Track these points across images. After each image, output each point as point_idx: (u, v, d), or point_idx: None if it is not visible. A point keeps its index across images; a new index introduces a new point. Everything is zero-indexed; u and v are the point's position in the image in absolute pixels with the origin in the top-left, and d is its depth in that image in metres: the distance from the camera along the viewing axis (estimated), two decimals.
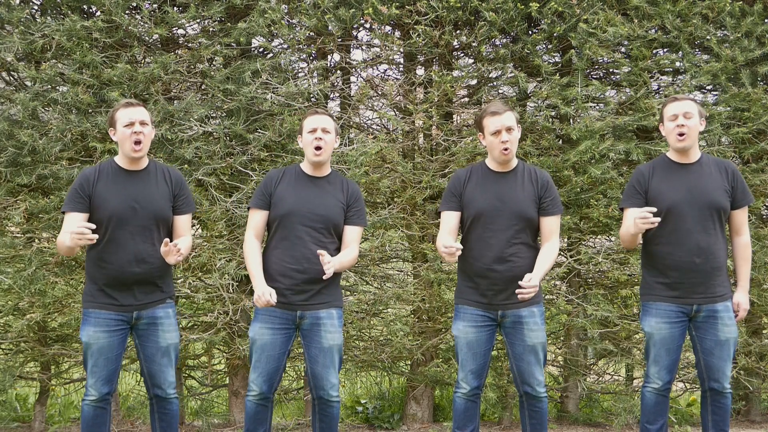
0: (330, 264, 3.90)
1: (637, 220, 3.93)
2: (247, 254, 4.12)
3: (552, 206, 4.13)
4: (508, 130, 4.06)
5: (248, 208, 4.26)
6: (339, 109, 5.98)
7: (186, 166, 5.20)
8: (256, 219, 4.15)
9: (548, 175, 4.21)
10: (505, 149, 4.05)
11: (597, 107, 5.83)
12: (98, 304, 3.96)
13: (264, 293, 3.94)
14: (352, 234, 4.16)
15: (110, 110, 4.14)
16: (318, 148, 4.08)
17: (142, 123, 3.97)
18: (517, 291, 3.91)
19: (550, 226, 4.13)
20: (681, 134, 4.11)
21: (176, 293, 5.06)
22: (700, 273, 4.10)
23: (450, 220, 4.17)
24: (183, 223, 4.13)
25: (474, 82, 5.96)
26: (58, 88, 5.33)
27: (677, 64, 5.79)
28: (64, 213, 3.99)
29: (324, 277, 3.94)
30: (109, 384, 3.98)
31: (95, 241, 3.74)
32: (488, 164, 4.19)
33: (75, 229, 3.71)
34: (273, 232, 4.14)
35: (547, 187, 4.13)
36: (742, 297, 4.27)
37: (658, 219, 3.94)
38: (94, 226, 3.76)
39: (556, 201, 4.16)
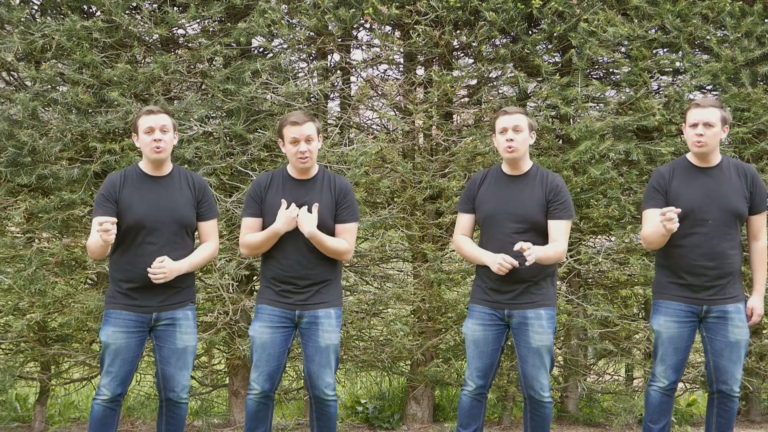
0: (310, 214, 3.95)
1: (661, 219, 3.93)
2: (251, 238, 4.11)
3: (560, 210, 4.13)
4: (515, 129, 4.09)
5: (241, 218, 4.26)
6: (339, 109, 5.98)
7: (186, 166, 5.20)
8: (250, 228, 4.15)
9: (560, 180, 4.21)
10: (509, 147, 4.09)
11: (597, 107, 5.83)
12: (119, 305, 3.98)
13: (291, 211, 3.99)
14: (343, 233, 4.14)
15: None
16: (303, 159, 4.08)
17: (163, 130, 4.01)
18: (515, 247, 3.93)
19: (558, 229, 4.12)
20: (699, 143, 4.09)
21: None
22: (713, 277, 4.09)
23: (464, 221, 4.29)
24: (208, 228, 4.18)
25: (474, 82, 5.96)
26: (58, 88, 5.32)
27: (677, 64, 5.79)
28: (93, 218, 4.00)
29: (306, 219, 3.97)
30: (123, 385, 4.01)
31: (114, 236, 3.80)
32: (503, 168, 4.25)
33: (98, 228, 3.77)
34: None
35: (556, 191, 4.14)
36: (756, 302, 4.23)
37: (677, 217, 3.93)
38: (115, 219, 3.82)
39: (565, 206, 4.14)
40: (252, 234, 4.13)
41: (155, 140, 3.98)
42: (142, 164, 4.10)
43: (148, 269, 3.91)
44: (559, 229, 4.12)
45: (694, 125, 4.10)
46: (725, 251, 4.09)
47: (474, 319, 4.15)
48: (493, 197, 4.16)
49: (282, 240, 4.05)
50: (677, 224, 3.93)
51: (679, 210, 3.94)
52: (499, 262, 3.99)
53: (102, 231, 3.75)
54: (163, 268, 3.91)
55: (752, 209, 4.18)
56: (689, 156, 4.23)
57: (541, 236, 4.12)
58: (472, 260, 4.24)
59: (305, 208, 4.01)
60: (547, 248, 4.04)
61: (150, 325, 4.03)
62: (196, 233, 4.20)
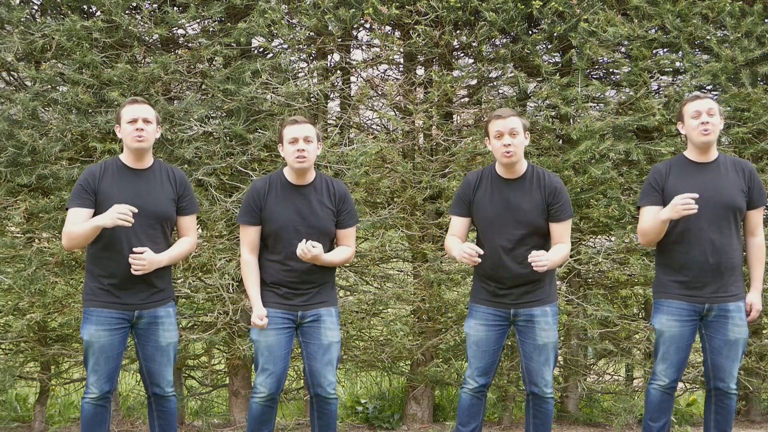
0: (314, 250, 3.93)
1: (678, 207, 3.93)
2: (245, 275, 4.15)
3: (561, 212, 4.13)
4: (512, 133, 4.06)
5: (239, 224, 4.25)
6: (339, 109, 5.98)
7: (186, 166, 5.20)
8: (250, 235, 4.14)
9: (558, 181, 4.19)
10: (508, 152, 4.05)
11: (597, 107, 5.83)
12: (100, 302, 3.97)
13: (261, 318, 4.04)
14: (345, 237, 4.22)
15: (117, 108, 4.18)
16: (301, 158, 4.08)
17: (145, 120, 4.00)
18: (530, 259, 3.92)
19: (560, 230, 4.14)
20: (705, 130, 4.11)
21: (176, 293, 5.07)
22: (713, 272, 4.10)
23: (458, 225, 4.25)
24: (187, 223, 4.18)
25: (474, 82, 5.96)
26: (58, 88, 5.32)
27: (677, 64, 5.79)
28: (68, 209, 4.00)
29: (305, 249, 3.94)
30: (110, 382, 4.01)
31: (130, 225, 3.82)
32: (497, 170, 4.20)
33: (120, 209, 3.77)
34: (268, 246, 4.15)
35: (555, 194, 4.12)
36: (755, 298, 4.24)
37: (695, 205, 3.93)
38: (136, 210, 3.81)
39: (565, 207, 4.15)
40: (249, 263, 4.13)
41: (137, 129, 3.97)
42: (123, 156, 4.09)
43: (130, 257, 3.90)
44: (562, 231, 4.14)
45: (697, 115, 4.13)
46: (724, 246, 4.10)
47: (477, 318, 4.16)
48: (491, 203, 4.13)
49: (282, 248, 4.07)
50: (695, 209, 3.93)
51: (696, 195, 3.94)
52: (462, 251, 3.95)
53: (122, 219, 3.76)
54: (143, 260, 3.90)
55: (750, 204, 4.19)
56: (687, 153, 4.25)
57: (542, 238, 4.13)
58: (455, 259, 4.20)
59: (309, 244, 3.96)
60: (556, 253, 4.07)
61: (132, 322, 4.03)
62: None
